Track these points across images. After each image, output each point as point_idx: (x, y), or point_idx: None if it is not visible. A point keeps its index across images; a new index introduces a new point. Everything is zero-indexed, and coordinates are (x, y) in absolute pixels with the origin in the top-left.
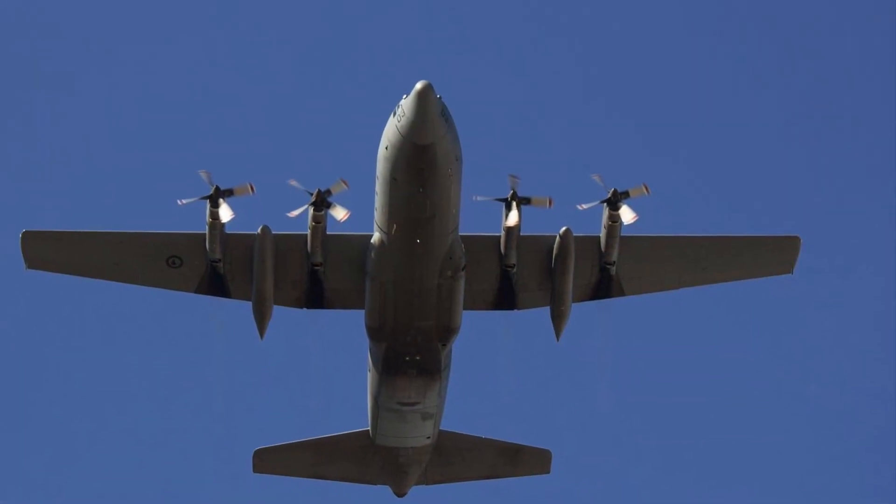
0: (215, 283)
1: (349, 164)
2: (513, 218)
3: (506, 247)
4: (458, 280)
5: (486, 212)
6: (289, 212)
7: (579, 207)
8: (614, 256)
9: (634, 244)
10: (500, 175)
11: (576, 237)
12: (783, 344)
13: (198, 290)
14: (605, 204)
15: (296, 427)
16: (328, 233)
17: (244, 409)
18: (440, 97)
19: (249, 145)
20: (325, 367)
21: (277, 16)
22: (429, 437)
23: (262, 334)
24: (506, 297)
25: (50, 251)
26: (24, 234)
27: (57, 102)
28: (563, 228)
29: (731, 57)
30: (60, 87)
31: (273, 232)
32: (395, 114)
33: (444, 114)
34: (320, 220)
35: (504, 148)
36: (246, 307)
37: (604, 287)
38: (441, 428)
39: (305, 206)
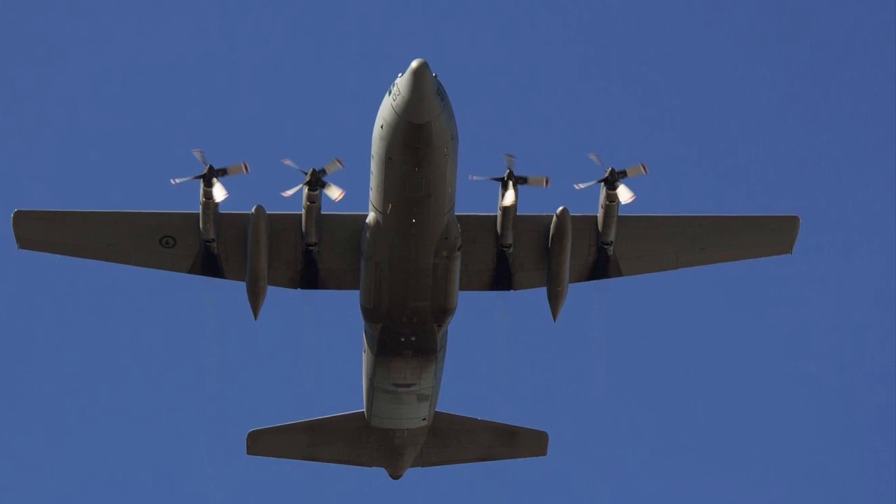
0: (209, 264)
1: (344, 143)
2: (509, 197)
3: (502, 227)
4: (453, 260)
5: (483, 191)
6: (283, 191)
7: (576, 187)
8: (612, 236)
9: (632, 224)
10: (497, 154)
11: (573, 217)
12: (782, 324)
13: (191, 271)
14: (602, 183)
15: (290, 409)
16: (323, 212)
17: (238, 391)
18: (436, 75)
19: (243, 124)
20: (319, 347)
21: None
22: (424, 419)
23: (256, 315)
24: (502, 278)
25: (42, 231)
26: (15, 213)
27: (49, 81)
28: (560, 208)
29: (730, 35)
30: (52, 67)
31: (267, 212)
32: (390, 92)
33: (440, 92)
34: (315, 200)
35: (500, 127)
36: (240, 287)
37: (601, 267)
38: (437, 409)
39: (300, 186)
